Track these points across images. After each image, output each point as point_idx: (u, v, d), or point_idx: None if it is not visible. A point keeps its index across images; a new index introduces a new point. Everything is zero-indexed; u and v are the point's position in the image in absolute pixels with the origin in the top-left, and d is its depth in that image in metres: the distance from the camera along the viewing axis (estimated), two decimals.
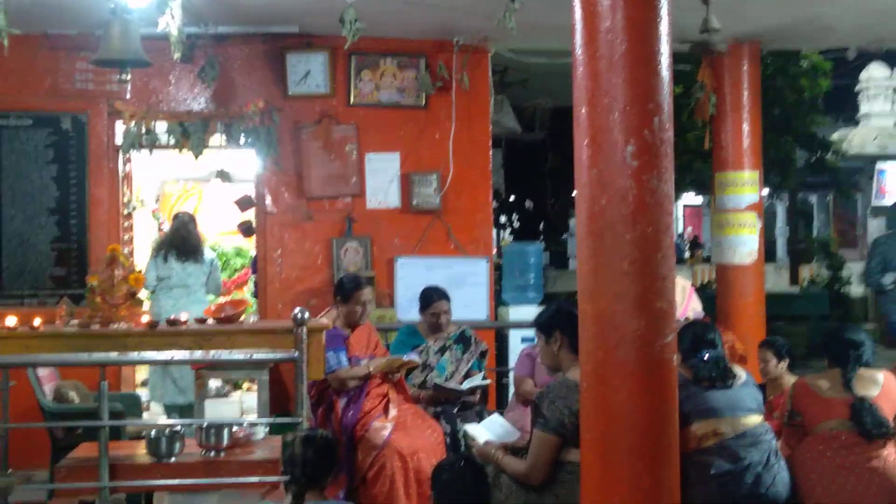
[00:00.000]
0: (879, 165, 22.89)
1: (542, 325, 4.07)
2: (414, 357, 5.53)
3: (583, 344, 3.58)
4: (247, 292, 9.50)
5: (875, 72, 22.68)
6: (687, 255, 36.98)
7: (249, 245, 9.22)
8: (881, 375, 4.24)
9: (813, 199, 25.95)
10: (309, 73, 7.12)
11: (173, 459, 4.54)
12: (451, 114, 7.26)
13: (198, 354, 4.62)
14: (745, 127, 7.56)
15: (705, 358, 4.06)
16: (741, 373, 4.14)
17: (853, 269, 19.07)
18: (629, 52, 3.52)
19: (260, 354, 4.74)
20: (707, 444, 3.94)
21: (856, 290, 17.41)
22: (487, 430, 4.33)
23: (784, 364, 5.51)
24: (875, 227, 24.40)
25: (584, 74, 3.62)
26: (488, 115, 7.40)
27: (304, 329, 4.46)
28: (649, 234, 3.51)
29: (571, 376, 3.90)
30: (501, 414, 6.16)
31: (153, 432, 4.58)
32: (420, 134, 7.28)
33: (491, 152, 7.47)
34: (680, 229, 38.83)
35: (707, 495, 3.84)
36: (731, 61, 7.46)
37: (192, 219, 7.64)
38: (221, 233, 9.71)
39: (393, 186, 7.27)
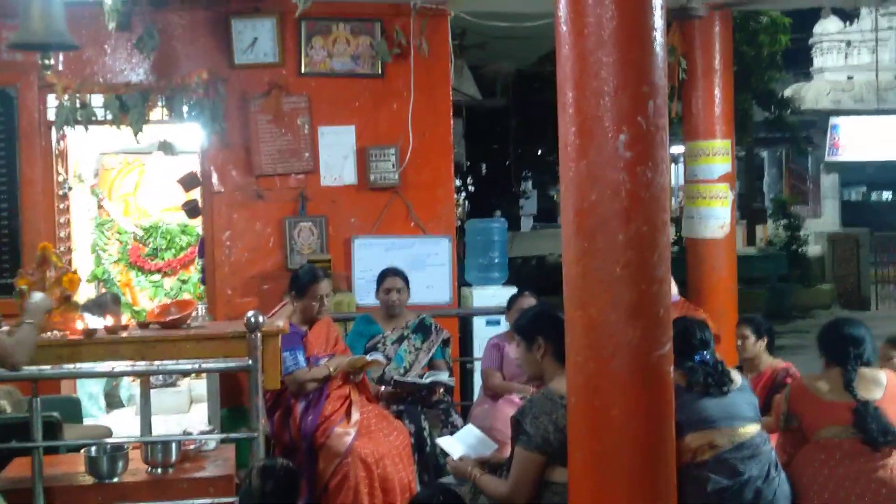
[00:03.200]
0: (832, 120, 22.83)
1: (524, 330, 3.69)
2: (379, 357, 5.15)
3: (572, 354, 3.22)
4: (193, 272, 9.04)
5: (828, 25, 22.55)
6: None
7: (195, 223, 8.73)
8: (884, 375, 3.92)
9: (764, 154, 25.84)
10: (256, 40, 6.61)
11: (116, 479, 4.12)
12: (409, 82, 6.80)
13: (141, 366, 4.17)
14: (717, 93, 7.21)
15: (700, 361, 3.72)
16: (737, 377, 3.80)
17: (810, 227, 19.03)
18: (621, 28, 3.12)
19: (209, 364, 4.30)
20: (703, 457, 3.61)
21: (813, 249, 17.32)
22: (462, 444, 3.96)
23: (763, 343, 5.22)
24: (828, 183, 24.42)
25: (571, 54, 3.20)
26: (449, 82, 6.95)
27: (259, 335, 4.03)
28: (644, 233, 3.14)
29: (555, 388, 3.55)
30: (468, 409, 5.84)
31: (93, 450, 4.15)
32: (377, 105, 6.82)
33: (452, 122, 7.05)
34: None
35: None
36: (702, 24, 7.09)
37: None
38: (164, 209, 9.18)
39: (348, 162, 6.81)
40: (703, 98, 7.21)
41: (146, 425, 5.30)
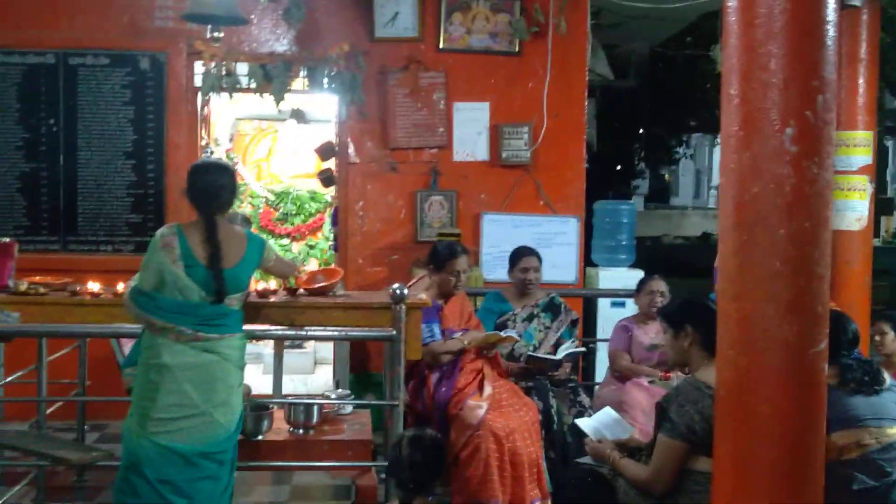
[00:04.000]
0: None
1: (672, 317, 3.70)
2: (513, 333, 5.20)
3: (723, 347, 3.21)
4: (320, 238, 9.25)
5: None
6: None
7: (324, 190, 8.92)
8: None
9: (889, 143, 24.98)
10: (397, 14, 6.71)
11: (260, 437, 4.29)
12: (545, 61, 6.81)
13: (291, 330, 4.32)
14: (861, 82, 6.98)
15: (857, 359, 3.66)
16: (886, 376, 3.74)
17: None
18: (792, 20, 3.06)
19: (356, 332, 4.43)
20: (849, 456, 3.56)
21: None
22: (600, 425, 4.00)
23: None
24: None
25: (739, 45, 3.16)
26: (585, 62, 6.93)
27: (403, 307, 4.14)
28: (807, 229, 3.10)
29: (702, 377, 3.55)
30: (591, 389, 5.87)
31: None
32: (512, 82, 6.85)
33: (585, 102, 7.03)
34: None
35: None
36: (851, 11, 6.88)
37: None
38: (295, 175, 9.41)
39: (481, 138, 6.88)
40: (847, 87, 6.99)
41: (278, 385, 5.50)
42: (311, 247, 9.27)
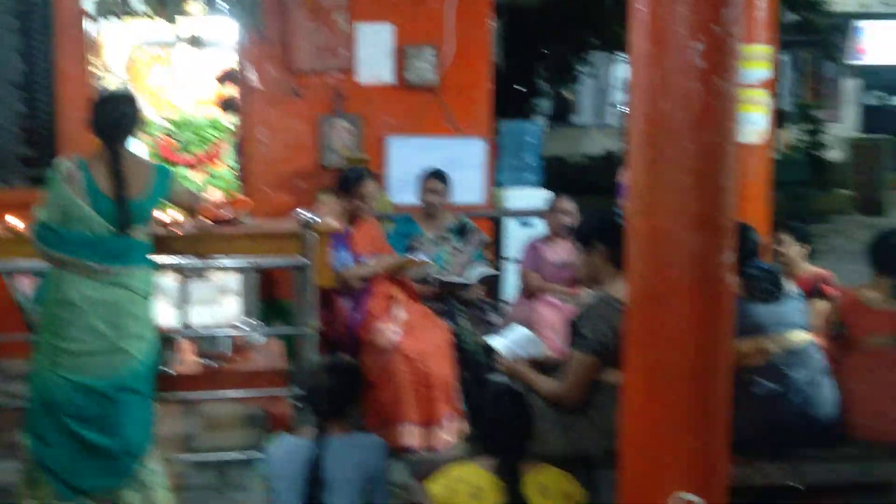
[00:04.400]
0: (857, 23, 22.44)
1: (582, 234, 3.73)
2: (424, 257, 5.19)
3: (633, 262, 3.25)
4: (222, 167, 9.01)
5: None
6: None
7: (224, 117, 8.66)
8: None
9: (785, 58, 25.48)
10: None
11: (172, 369, 4.21)
12: None
13: (197, 261, 4.22)
14: None
15: (759, 268, 3.75)
16: (790, 285, 3.84)
17: (830, 132, 18.87)
18: None
19: (264, 260, 4.35)
20: (753, 362, 3.67)
21: (833, 154, 17.21)
22: (513, 343, 4.04)
23: (801, 250, 5.24)
24: (849, 88, 24.12)
25: None
26: None
27: (313, 234, 4.07)
28: (715, 144, 3.14)
29: (612, 291, 3.59)
30: (505, 309, 5.92)
31: None
32: (417, 2, 6.70)
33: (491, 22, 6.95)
34: None
35: (753, 417, 3.59)
36: None
37: None
38: (195, 102, 9.10)
39: (386, 60, 6.75)
40: (745, 1, 7.06)
41: (185, 316, 5.40)
42: (213, 176, 9.02)
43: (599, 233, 3.67)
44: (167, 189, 3.91)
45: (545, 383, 3.69)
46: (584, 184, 11.47)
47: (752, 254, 3.83)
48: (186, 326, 5.20)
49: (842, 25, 21.75)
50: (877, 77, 25.35)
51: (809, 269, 5.26)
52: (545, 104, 20.87)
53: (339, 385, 3.28)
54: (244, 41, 6.61)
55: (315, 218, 4.12)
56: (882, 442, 3.74)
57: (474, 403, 5.16)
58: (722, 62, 3.11)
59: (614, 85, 39.88)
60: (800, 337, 3.73)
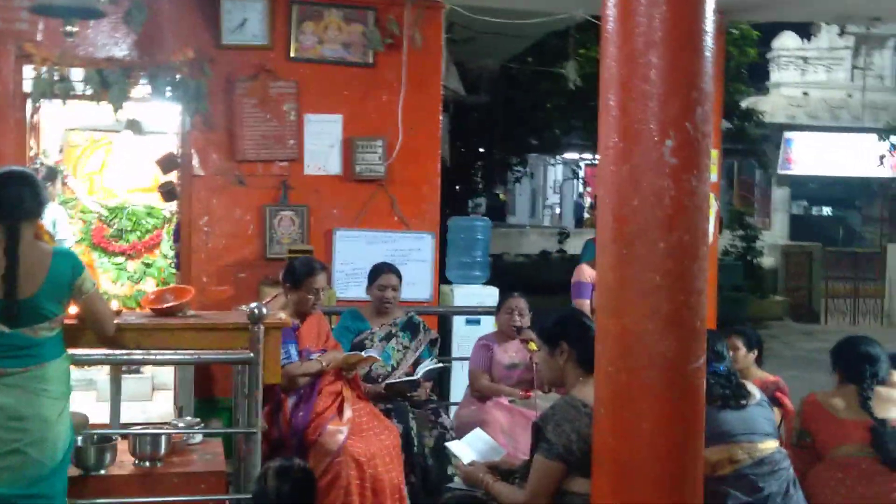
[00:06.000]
0: (787, 134, 23.18)
1: (547, 334, 3.58)
2: (374, 353, 5.01)
3: (603, 364, 3.12)
4: (157, 256, 8.78)
5: (787, 41, 22.90)
6: (587, 215, 37.14)
7: (163, 205, 8.47)
8: None
9: None
10: (246, 21, 6.42)
11: (103, 472, 3.93)
12: (400, 74, 6.65)
13: (137, 354, 3.98)
14: None
15: (714, 373, 3.65)
16: (754, 390, 3.75)
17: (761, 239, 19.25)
18: (673, 30, 3.02)
19: (210, 355, 4.12)
20: (723, 472, 3.55)
21: (766, 260, 17.50)
22: (471, 448, 3.85)
23: (752, 355, 5.19)
24: (779, 196, 24.76)
25: (618, 55, 3.09)
26: (440, 76, 6.83)
27: (262, 327, 3.87)
28: (686, 242, 3.05)
29: (578, 394, 3.45)
30: (450, 409, 5.73)
31: (79, 440, 3.95)
32: (366, 95, 6.67)
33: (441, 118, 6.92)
34: (581, 188, 39.00)
35: None
36: None
37: None
38: (131, 189, 8.89)
39: (334, 152, 6.66)
40: None
41: (116, 414, 5.11)
42: (148, 265, 8.76)
43: (565, 332, 3.53)
44: (71, 280, 3.59)
45: (507, 491, 3.50)
46: (524, 282, 11.40)
47: (714, 359, 3.73)
48: (116, 424, 4.92)
49: (772, 136, 22.42)
50: (803, 187, 26.12)
51: (760, 374, 5.20)
52: (481, 203, 21.02)
53: (292, 491, 3.05)
54: (188, 127, 6.45)
55: (264, 310, 3.92)
56: None
57: None
58: (693, 160, 3.04)
59: (547, 187, 40.49)
60: (769, 445, 3.62)
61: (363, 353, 4.93)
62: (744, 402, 3.66)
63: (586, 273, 6.11)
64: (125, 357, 4.10)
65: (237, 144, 6.49)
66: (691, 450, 3.12)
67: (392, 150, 6.66)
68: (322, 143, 6.63)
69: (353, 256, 6.60)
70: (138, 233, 8.75)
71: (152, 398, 7.67)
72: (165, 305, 4.11)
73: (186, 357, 4.23)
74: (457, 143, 11.24)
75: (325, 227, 6.67)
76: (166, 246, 8.61)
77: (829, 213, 29.93)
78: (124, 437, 4.14)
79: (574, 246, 21.70)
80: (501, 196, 26.87)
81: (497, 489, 3.53)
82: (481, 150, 15.24)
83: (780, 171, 23.55)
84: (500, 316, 5.54)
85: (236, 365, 4.28)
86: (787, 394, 5.06)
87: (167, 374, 7.70)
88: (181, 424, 4.43)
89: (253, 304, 3.92)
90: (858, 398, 3.81)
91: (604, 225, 3.15)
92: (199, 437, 4.41)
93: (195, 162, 6.51)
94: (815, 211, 29.80)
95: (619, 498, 3.10)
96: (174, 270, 7.46)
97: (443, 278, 7.38)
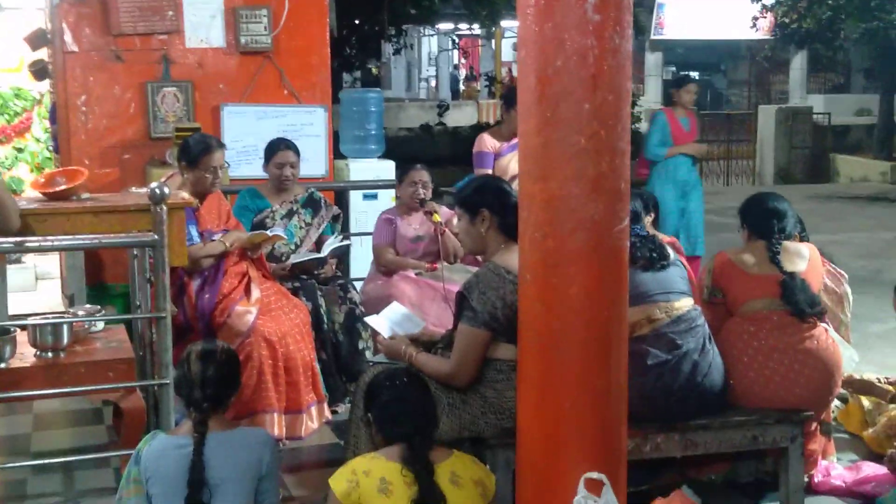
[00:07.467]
0: None
1: (467, 202, 3.51)
2: (279, 231, 4.86)
3: (529, 230, 3.07)
4: (29, 140, 8.30)
5: None
6: (463, 87, 36.85)
7: (31, 86, 7.96)
8: (806, 248, 4.00)
9: None
10: None
11: (3, 365, 3.74)
12: None
13: (33, 241, 3.73)
14: None
15: (641, 234, 3.66)
16: (670, 251, 3.78)
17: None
18: None
19: (111, 238, 3.90)
20: (642, 331, 3.59)
21: (644, 126, 17.76)
22: (390, 322, 3.80)
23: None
24: (652, 62, 25.06)
25: None
26: None
27: (164, 208, 3.68)
28: (610, 103, 2.99)
29: (501, 262, 3.42)
30: (355, 284, 5.66)
31: None
32: None
33: None
34: (456, 60, 38.61)
35: (643, 386, 3.50)
36: None
37: None
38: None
39: (216, 22, 6.29)
40: None
41: (3, 305, 4.89)
42: (20, 150, 8.29)
43: (485, 200, 3.47)
44: None
45: (433, 362, 3.48)
46: (409, 155, 11.30)
47: (632, 221, 3.72)
48: (3, 316, 4.69)
49: (644, 2, 22.52)
50: (673, 52, 26.47)
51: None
52: (358, 78, 20.62)
53: (217, 373, 2.95)
54: (57, 1, 5.99)
55: (166, 191, 3.72)
56: (765, 409, 3.74)
57: (332, 388, 4.90)
58: (616, 16, 2.96)
59: (422, 60, 39.95)
60: (684, 303, 3.67)
61: (268, 232, 4.78)
62: (665, 263, 3.69)
63: (487, 143, 6.05)
64: (15, 245, 3.84)
65: (112, 17, 6.06)
66: (617, 312, 3.13)
67: (279, 20, 6.34)
68: (203, 13, 6.26)
69: (242, 133, 6.36)
70: (6, 116, 8.24)
71: (36, 288, 7.37)
72: (58, 189, 3.86)
73: (86, 242, 4.00)
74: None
75: (212, 103, 6.37)
76: (38, 129, 8.14)
77: (696, 78, 30.55)
78: (23, 328, 3.93)
79: (454, 119, 21.64)
80: (374, 70, 26.42)
81: (421, 360, 3.50)
82: (356, 21, 14.85)
83: (653, 37, 23.80)
84: (403, 189, 5.43)
85: (138, 249, 4.08)
86: (682, 253, 5.16)
87: (51, 263, 7.39)
88: (81, 313, 4.22)
89: (153, 184, 3.71)
90: (768, 253, 3.89)
91: (526, 87, 3.05)
92: (100, 325, 4.22)
93: (67, 38, 6.07)
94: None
95: (547, 363, 3.10)
96: (50, 154, 7.05)
97: (337, 153, 7.19)
